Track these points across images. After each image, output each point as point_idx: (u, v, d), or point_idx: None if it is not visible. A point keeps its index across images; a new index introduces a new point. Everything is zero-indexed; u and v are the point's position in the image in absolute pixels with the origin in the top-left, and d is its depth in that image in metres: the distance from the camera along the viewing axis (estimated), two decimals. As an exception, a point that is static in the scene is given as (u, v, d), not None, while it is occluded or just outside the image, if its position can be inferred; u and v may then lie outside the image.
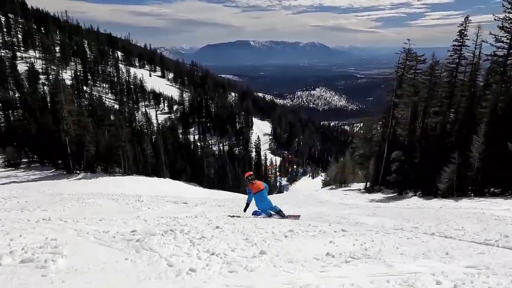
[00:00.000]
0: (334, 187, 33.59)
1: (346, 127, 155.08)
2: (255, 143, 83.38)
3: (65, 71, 76.94)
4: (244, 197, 11.05)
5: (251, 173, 8.53)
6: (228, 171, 53.97)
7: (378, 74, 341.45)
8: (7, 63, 63.73)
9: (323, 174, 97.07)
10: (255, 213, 8.69)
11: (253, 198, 8.43)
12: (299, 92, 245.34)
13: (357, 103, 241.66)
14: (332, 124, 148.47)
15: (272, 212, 8.56)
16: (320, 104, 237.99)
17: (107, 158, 37.40)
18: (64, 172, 35.91)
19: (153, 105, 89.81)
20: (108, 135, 39.20)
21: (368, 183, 28.58)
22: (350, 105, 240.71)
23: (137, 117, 70.83)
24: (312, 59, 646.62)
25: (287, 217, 8.53)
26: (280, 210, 8.60)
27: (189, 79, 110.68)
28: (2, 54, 68.14)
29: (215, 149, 73.74)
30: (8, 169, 36.29)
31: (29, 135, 39.96)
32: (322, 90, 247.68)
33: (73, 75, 77.23)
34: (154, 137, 57.99)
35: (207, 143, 62.75)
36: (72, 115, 35.18)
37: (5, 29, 76.14)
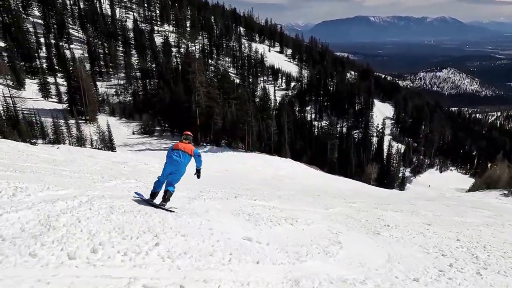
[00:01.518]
0: (506, 192, 26.18)
1: (478, 115, 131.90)
2: (376, 127, 75.44)
3: (193, 44, 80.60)
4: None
5: (190, 134, 6.45)
6: (352, 156, 48.86)
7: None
8: (146, 36, 69.15)
9: (452, 168, 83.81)
10: (139, 194, 6.63)
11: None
12: (421, 73, 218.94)
13: (493, 88, 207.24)
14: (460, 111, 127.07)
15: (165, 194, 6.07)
16: (446, 87, 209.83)
17: (233, 132, 36.41)
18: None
19: (271, 80, 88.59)
20: (234, 108, 38.19)
21: None
22: (484, 90, 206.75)
23: (257, 93, 70.22)
24: (440, 36, 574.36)
25: (163, 208, 5.96)
26: (169, 195, 6.09)
27: (308, 56, 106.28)
28: (143, 27, 74.11)
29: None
30: (144, 135, 38.41)
31: (163, 104, 41.67)
32: (449, 72, 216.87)
33: (200, 48, 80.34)
34: (272, 113, 56.12)
35: (330, 123, 58.12)
36: (202, 85, 34.82)
37: (146, 4, 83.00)
